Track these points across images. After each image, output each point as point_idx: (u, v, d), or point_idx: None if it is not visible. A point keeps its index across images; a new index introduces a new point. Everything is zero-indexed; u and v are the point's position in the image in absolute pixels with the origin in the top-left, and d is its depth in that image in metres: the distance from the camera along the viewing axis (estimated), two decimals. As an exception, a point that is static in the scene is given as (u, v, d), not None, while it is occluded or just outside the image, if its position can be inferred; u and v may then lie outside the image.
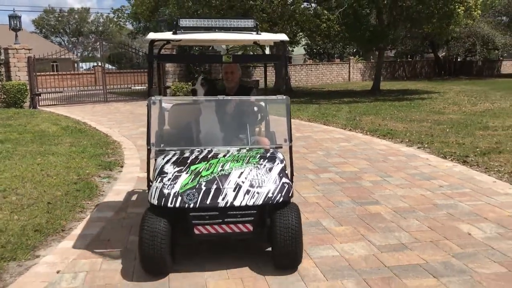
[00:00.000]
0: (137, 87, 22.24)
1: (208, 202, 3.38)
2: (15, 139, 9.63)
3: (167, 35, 3.91)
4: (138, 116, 14.57)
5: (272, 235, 3.43)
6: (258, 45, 5.02)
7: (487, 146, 8.08)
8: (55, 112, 16.14)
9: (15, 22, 18.18)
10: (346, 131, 10.63)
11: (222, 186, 3.46)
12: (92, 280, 3.48)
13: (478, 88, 22.98)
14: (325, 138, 9.65)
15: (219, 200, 3.40)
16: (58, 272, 3.60)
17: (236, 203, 3.39)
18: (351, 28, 20.83)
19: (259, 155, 3.86)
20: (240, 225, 3.42)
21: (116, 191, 5.88)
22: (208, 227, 3.40)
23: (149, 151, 3.84)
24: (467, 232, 4.30)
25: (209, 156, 3.80)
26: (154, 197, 3.45)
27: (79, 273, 3.58)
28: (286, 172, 3.79)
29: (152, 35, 3.85)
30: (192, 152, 3.90)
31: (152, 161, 3.99)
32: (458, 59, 39.10)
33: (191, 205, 3.37)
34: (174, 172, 3.58)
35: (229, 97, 4.22)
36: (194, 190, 3.43)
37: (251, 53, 21.82)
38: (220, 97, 4.02)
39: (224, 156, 3.80)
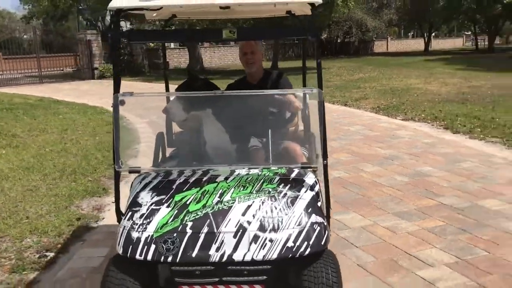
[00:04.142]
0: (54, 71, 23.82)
1: (194, 254, 2.25)
2: (20, 108, 12.22)
3: (136, 1, 2.62)
4: (85, 91, 17.34)
5: None
6: (292, 15, 3.36)
7: (359, 96, 12.58)
8: (5, 91, 18.12)
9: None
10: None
11: (217, 229, 2.30)
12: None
13: (354, 64, 28.33)
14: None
15: (211, 251, 2.25)
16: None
17: (237, 257, 2.24)
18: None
19: (278, 178, 2.62)
20: None
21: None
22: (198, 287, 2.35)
23: (116, 172, 2.73)
24: (347, 129, 8.47)
25: (204, 179, 2.61)
26: (119, 243, 2.33)
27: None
28: (319, 204, 2.53)
29: (117, 2, 2.56)
30: (181, 173, 2.72)
31: (126, 186, 2.91)
32: (338, 41, 45.17)
33: (169, 258, 2.24)
34: (151, 204, 2.47)
35: (230, 92, 3.05)
36: (174, 234, 2.29)
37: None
38: (219, 92, 2.81)
39: (226, 179, 2.60)
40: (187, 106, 2.89)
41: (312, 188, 2.57)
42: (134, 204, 2.51)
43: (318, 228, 2.33)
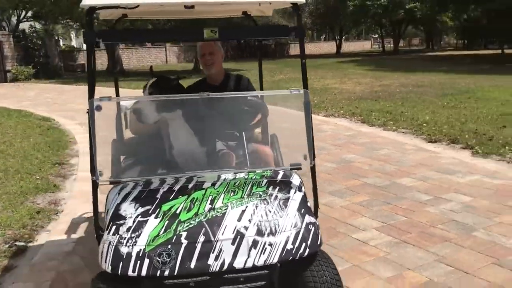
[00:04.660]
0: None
1: (192, 265, 2.15)
2: None
3: None
4: (1, 95, 16.67)
5: None
6: (248, 16, 3.54)
7: (283, 96, 13.36)
8: None
9: None
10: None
11: (214, 237, 2.20)
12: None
13: (274, 66, 29.39)
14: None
15: (210, 261, 2.16)
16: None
17: (238, 264, 2.17)
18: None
19: (265, 180, 2.56)
20: None
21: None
22: None
23: (94, 184, 2.48)
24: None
25: (190, 186, 2.48)
26: (106, 260, 2.17)
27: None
28: (308, 204, 2.51)
29: (89, 0, 2.33)
30: (163, 181, 2.53)
31: (102, 198, 2.65)
32: (256, 43, 46.30)
33: (166, 272, 2.13)
34: (137, 216, 2.30)
35: (219, 94, 2.82)
36: (169, 246, 2.17)
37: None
38: (204, 94, 2.65)
39: (213, 185, 2.48)
40: (160, 108, 2.66)
41: (299, 189, 2.56)
42: (117, 217, 2.32)
43: (313, 228, 2.33)
